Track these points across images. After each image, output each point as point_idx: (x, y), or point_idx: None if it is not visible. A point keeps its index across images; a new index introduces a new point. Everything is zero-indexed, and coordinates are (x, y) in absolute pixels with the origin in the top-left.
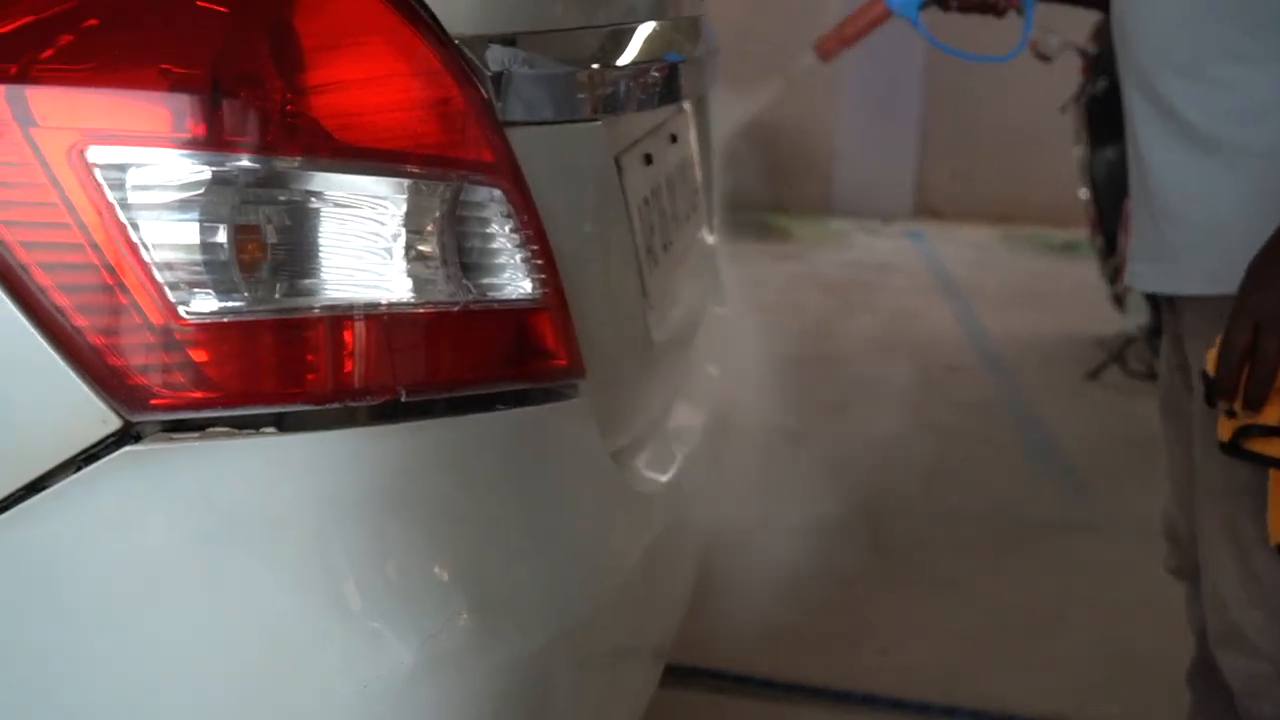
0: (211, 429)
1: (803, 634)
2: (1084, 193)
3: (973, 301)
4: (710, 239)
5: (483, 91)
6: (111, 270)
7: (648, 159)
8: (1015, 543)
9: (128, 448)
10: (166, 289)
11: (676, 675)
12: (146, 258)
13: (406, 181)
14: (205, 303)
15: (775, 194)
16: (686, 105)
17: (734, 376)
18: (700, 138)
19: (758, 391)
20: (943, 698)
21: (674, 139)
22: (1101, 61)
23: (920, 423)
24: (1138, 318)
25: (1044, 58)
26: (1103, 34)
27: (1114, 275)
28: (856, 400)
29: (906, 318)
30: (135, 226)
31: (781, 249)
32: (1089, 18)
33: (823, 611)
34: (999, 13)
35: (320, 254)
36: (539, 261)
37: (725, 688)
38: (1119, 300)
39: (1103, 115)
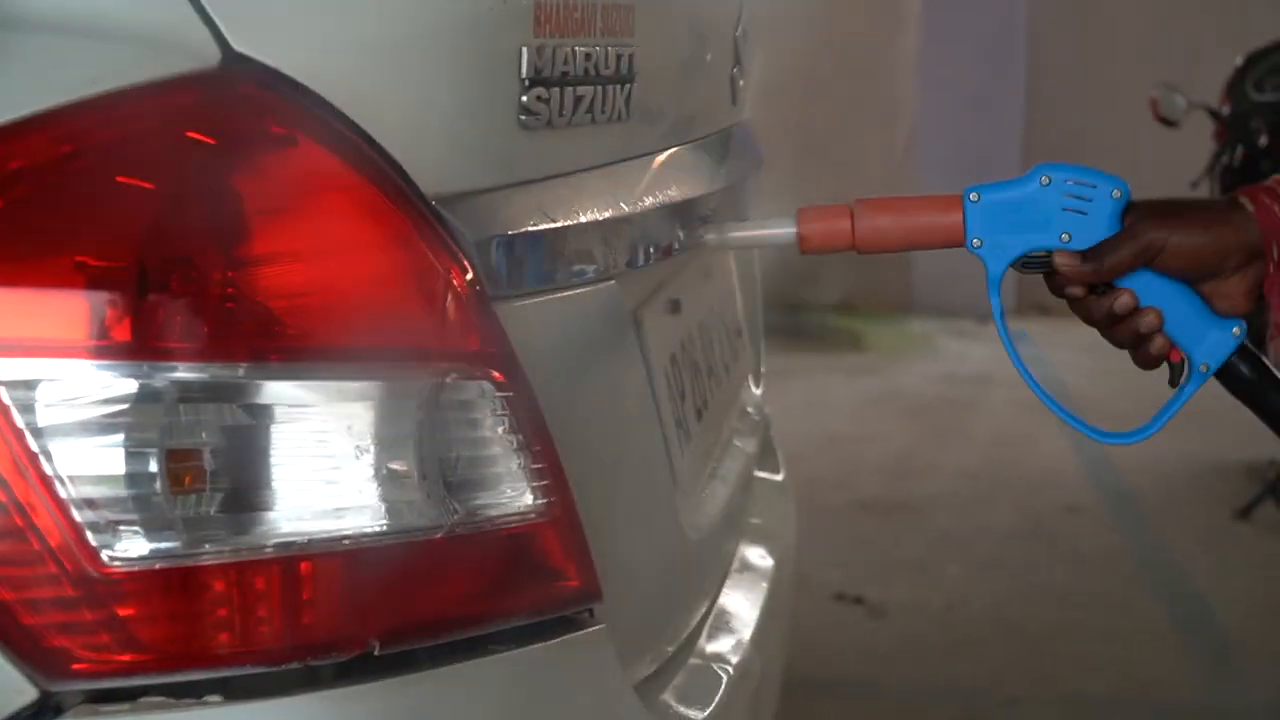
0: (144, 699)
1: None
2: None
3: (1094, 422)
4: (757, 390)
5: (465, 262)
6: (21, 510)
7: (675, 306)
8: None
9: None
10: (87, 531)
11: None
12: (63, 494)
13: (376, 384)
14: (133, 546)
15: (843, 290)
16: None
17: (791, 553)
18: (741, 265)
19: (825, 552)
20: None
21: (707, 274)
22: (1238, 126)
23: (1031, 585)
24: None
25: (1168, 122)
26: (1237, 92)
27: None
28: (949, 557)
29: (1011, 446)
30: (48, 456)
31: (852, 361)
32: (1219, 73)
33: None
34: (1137, 361)
35: (271, 481)
36: (541, 465)
37: None
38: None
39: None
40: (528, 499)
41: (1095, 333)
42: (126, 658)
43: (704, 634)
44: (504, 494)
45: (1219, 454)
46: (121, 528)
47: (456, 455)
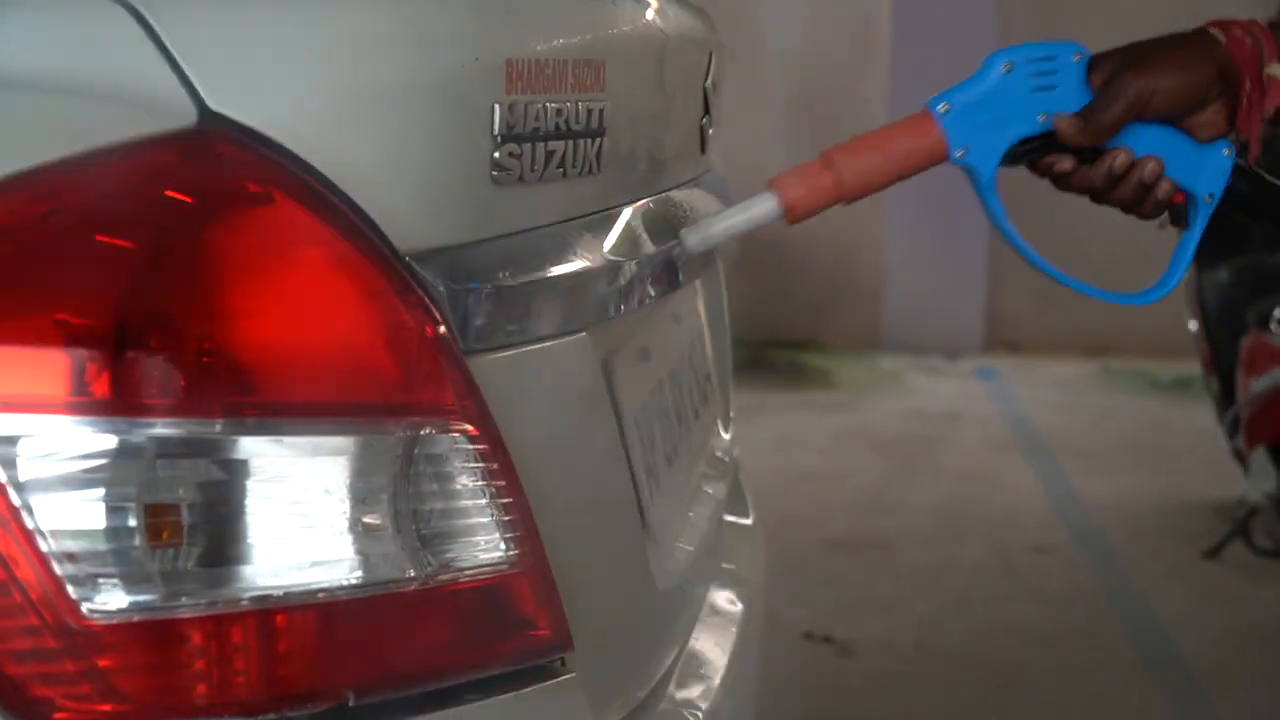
0: None
1: None
2: (1193, 324)
3: (1062, 460)
4: (726, 435)
5: (438, 316)
6: (4, 563)
7: (645, 354)
8: None
9: None
10: (67, 584)
11: None
12: (44, 547)
13: (350, 439)
14: (112, 599)
15: (812, 328)
16: None
17: (761, 597)
18: (710, 307)
19: (794, 590)
20: None
21: (677, 320)
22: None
23: (1000, 622)
24: (1264, 484)
25: None
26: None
27: (1233, 427)
28: (918, 595)
29: (979, 483)
30: (29, 510)
31: (821, 397)
32: None
33: None
34: (1144, 213)
35: (247, 534)
36: (513, 517)
37: None
38: (1240, 458)
39: (1213, 229)
40: (500, 550)
41: (1059, 369)
42: (107, 708)
43: (674, 679)
44: (476, 546)
45: (1187, 492)
46: (101, 580)
47: (430, 508)
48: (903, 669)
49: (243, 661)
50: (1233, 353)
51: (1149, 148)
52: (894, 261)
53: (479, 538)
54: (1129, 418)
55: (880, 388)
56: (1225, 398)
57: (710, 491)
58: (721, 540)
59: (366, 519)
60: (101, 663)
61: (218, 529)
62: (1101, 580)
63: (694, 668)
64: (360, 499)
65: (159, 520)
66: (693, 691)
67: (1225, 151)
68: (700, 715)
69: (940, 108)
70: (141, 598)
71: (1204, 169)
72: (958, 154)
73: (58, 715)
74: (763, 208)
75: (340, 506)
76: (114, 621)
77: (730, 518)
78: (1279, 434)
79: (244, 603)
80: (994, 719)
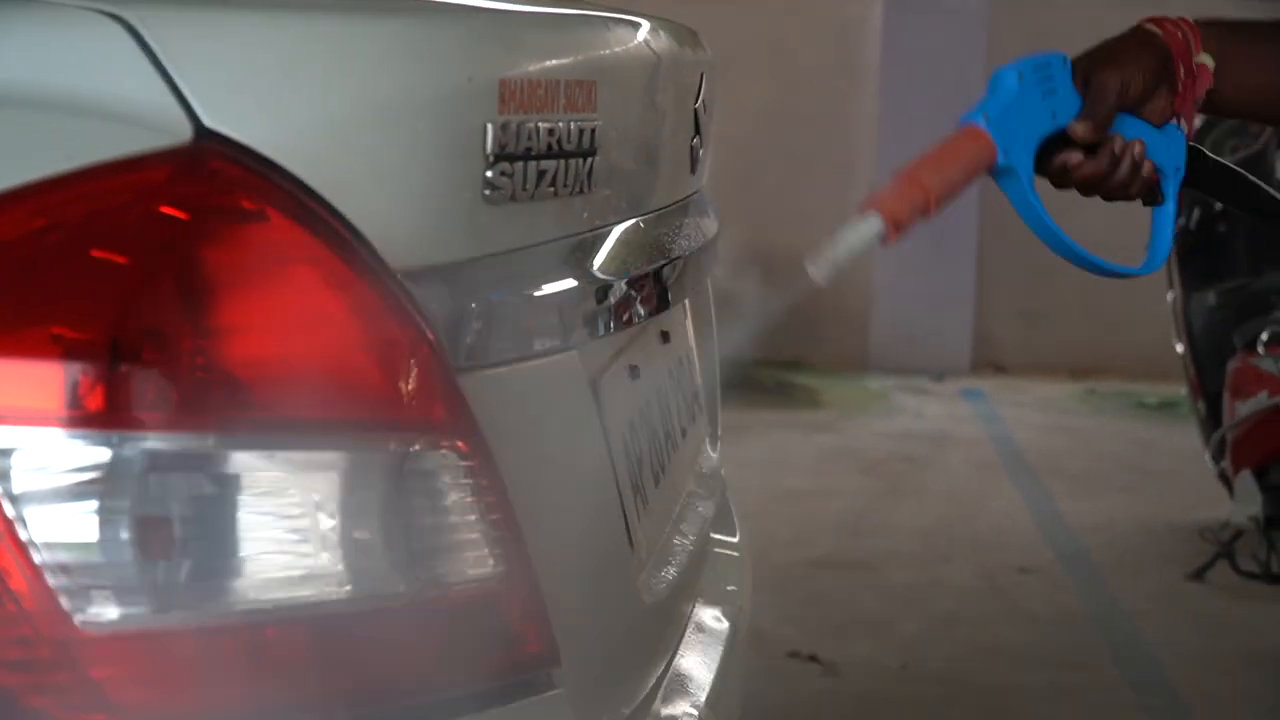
0: None
1: None
2: (1180, 347)
3: (1048, 481)
4: (713, 454)
5: (430, 334)
6: None
7: (633, 372)
8: None
9: None
10: (60, 595)
11: None
12: (37, 559)
13: (341, 454)
14: (104, 611)
15: (800, 348)
16: None
17: (746, 616)
18: (699, 326)
19: (779, 610)
20: None
21: (665, 338)
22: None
23: (985, 644)
24: (1249, 507)
25: None
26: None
27: (1219, 450)
28: (904, 615)
29: (965, 504)
30: (23, 522)
31: (808, 417)
32: None
33: None
34: (1132, 193)
35: (239, 548)
36: (501, 533)
37: None
38: (1226, 480)
39: (1199, 253)
40: (488, 566)
41: (1045, 390)
42: (99, 718)
43: (659, 697)
44: (465, 561)
45: (1172, 514)
46: (94, 592)
47: (419, 524)
48: (889, 689)
49: (233, 674)
50: (1219, 376)
51: (1131, 134)
52: (881, 283)
53: (468, 554)
54: (1115, 439)
55: (867, 408)
56: (1211, 420)
57: (697, 510)
58: (708, 558)
59: (357, 534)
60: (94, 674)
61: (210, 542)
62: (1087, 601)
63: (680, 684)
64: (351, 514)
65: (151, 533)
66: (678, 708)
67: (1179, 130)
68: None
69: (983, 118)
70: (134, 610)
71: (1167, 147)
72: (1003, 155)
73: None
74: (871, 228)
75: (331, 521)
76: (106, 633)
77: (717, 536)
78: (1265, 457)
79: (234, 616)
80: None
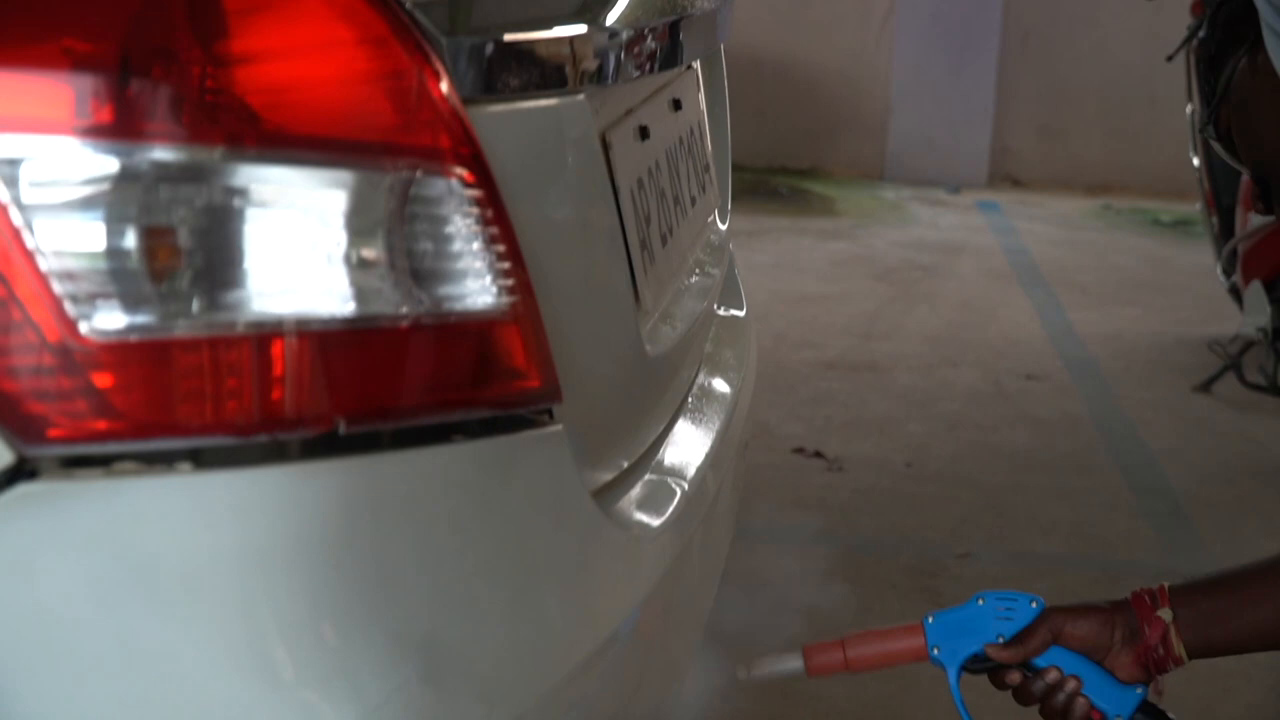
0: (117, 464)
1: (840, 706)
2: (1196, 160)
3: (1060, 293)
4: (723, 226)
5: (437, 63)
6: (3, 281)
7: (643, 132)
8: (1108, 595)
9: (21, 486)
10: (65, 302)
11: None
12: (43, 266)
13: (347, 174)
14: (110, 319)
15: (816, 156)
16: (694, 63)
17: (750, 386)
18: (711, 101)
19: (787, 408)
20: None
21: (677, 105)
22: None
23: (991, 445)
24: (1257, 318)
25: None
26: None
27: (1230, 263)
28: (910, 416)
29: (976, 312)
30: (30, 229)
31: (823, 225)
32: None
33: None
34: None
35: (244, 261)
36: (506, 264)
37: None
38: (1236, 294)
39: (1217, 65)
40: (491, 297)
41: (1061, 205)
42: (101, 425)
43: (661, 452)
44: (468, 289)
45: (1181, 329)
46: (99, 301)
47: (423, 248)
48: (892, 485)
49: (237, 384)
50: (1234, 189)
51: (1073, 670)
52: (900, 93)
53: (471, 281)
54: (1128, 255)
55: (882, 217)
56: (1225, 235)
57: (704, 277)
58: (714, 326)
59: (362, 253)
60: (97, 381)
61: (215, 254)
62: (1093, 409)
63: (681, 444)
64: (356, 233)
65: (158, 243)
66: (679, 464)
67: (1139, 690)
68: (684, 487)
69: (929, 619)
70: (139, 319)
71: (1118, 697)
72: (934, 651)
73: (52, 432)
74: (795, 664)
75: (336, 238)
76: (111, 340)
77: (724, 310)
78: (1275, 268)
79: (239, 327)
80: (980, 536)
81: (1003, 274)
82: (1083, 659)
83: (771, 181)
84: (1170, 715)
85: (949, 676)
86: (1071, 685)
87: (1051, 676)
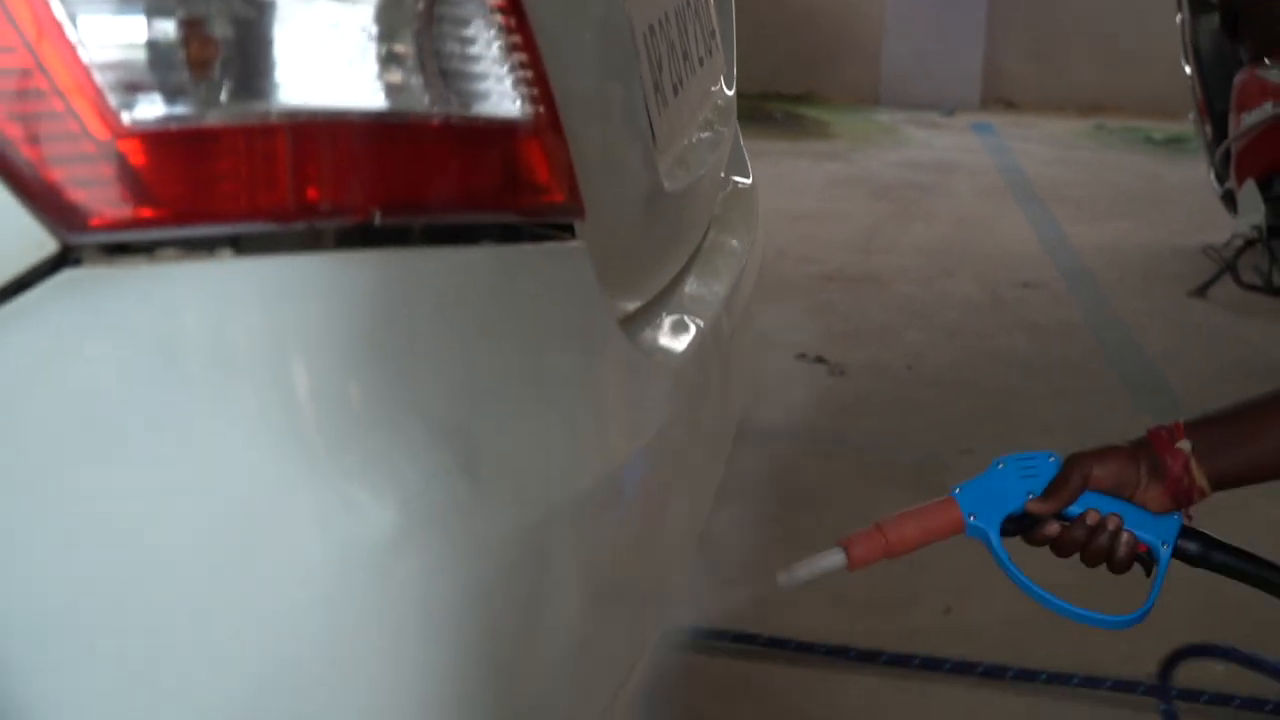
0: (159, 251)
1: (852, 594)
2: (1187, 69)
3: (1054, 208)
4: (730, 91)
5: None
6: (45, 72)
7: None
8: None
9: (66, 272)
10: (107, 93)
11: (717, 642)
12: (85, 57)
13: None
14: (150, 108)
15: (811, 82)
16: None
17: (758, 249)
18: None
19: (788, 319)
20: (1014, 659)
21: None
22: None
23: (988, 350)
24: (1252, 216)
25: None
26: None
27: (1223, 167)
28: (909, 324)
29: (971, 227)
30: (73, 21)
31: (819, 146)
32: None
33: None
34: (1115, 564)
35: (280, 52)
36: (529, 75)
37: (763, 654)
38: (1230, 199)
39: None
40: (517, 106)
41: (1054, 126)
42: (143, 212)
43: (678, 291)
44: (494, 95)
45: (1176, 239)
46: (140, 91)
47: (451, 49)
48: (893, 389)
49: (275, 172)
50: (1226, 93)
51: (1109, 509)
52: (893, 18)
53: (496, 87)
54: (1122, 171)
55: (877, 140)
56: (1217, 140)
57: (714, 133)
58: (723, 188)
59: (395, 47)
60: (139, 169)
61: (254, 47)
62: (1089, 315)
63: (696, 287)
64: (388, 27)
65: (198, 35)
66: (696, 303)
67: (1176, 516)
68: (702, 325)
69: (957, 490)
70: (178, 109)
71: (1158, 526)
72: (970, 519)
73: (94, 221)
74: (836, 560)
75: (369, 34)
76: (151, 129)
77: (731, 178)
78: (1269, 166)
79: (277, 117)
80: (980, 434)
81: (998, 191)
82: (1114, 499)
83: (766, 107)
84: (1214, 535)
85: (991, 542)
86: (1113, 523)
87: (1091, 519)
